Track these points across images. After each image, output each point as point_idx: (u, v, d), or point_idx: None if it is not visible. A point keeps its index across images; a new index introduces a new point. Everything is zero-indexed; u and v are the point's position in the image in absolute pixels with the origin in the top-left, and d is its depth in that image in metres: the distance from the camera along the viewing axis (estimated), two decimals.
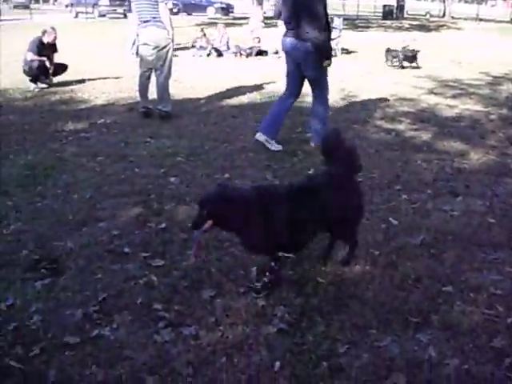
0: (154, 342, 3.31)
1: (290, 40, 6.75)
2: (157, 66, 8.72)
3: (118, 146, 7.30)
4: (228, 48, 18.11)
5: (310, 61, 6.67)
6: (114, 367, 3.12)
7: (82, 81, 12.40)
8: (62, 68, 12.46)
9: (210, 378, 3.02)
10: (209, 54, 17.58)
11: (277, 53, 16.05)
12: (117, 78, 12.77)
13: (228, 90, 10.86)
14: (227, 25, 21.34)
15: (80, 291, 3.85)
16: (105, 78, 12.69)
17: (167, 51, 8.68)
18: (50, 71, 12.01)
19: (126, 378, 3.03)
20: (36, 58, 11.69)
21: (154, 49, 8.66)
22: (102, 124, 8.51)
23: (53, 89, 11.71)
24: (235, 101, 9.99)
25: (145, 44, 8.80)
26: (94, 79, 12.55)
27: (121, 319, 3.53)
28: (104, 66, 14.13)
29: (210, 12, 44.37)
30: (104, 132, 8.05)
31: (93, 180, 5.99)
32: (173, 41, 8.76)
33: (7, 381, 3.05)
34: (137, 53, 14.97)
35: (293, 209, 3.62)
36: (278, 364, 3.12)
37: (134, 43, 15.34)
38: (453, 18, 49.06)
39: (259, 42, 17.99)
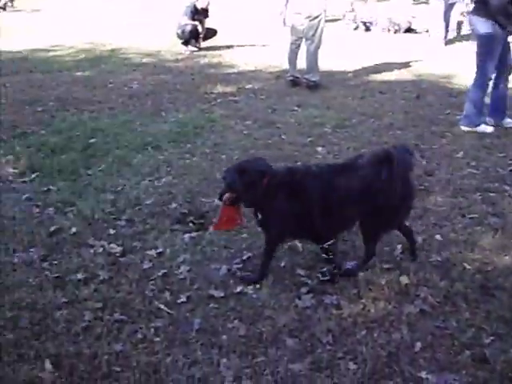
0: (295, 306, 3.35)
1: (472, 17, 6.51)
2: (308, 36, 8.67)
3: (265, 111, 7.39)
4: (376, 23, 17.69)
5: (487, 40, 6.36)
6: (256, 325, 3.19)
7: (231, 46, 12.60)
8: (212, 33, 12.75)
9: (349, 348, 3.01)
10: (356, 28, 17.28)
11: (427, 31, 15.47)
12: (264, 45, 12.84)
13: (376, 65, 10.60)
14: None
15: (225, 248, 3.97)
16: (252, 45, 12.80)
17: (319, 21, 8.58)
18: (201, 35, 12.34)
19: (267, 336, 3.09)
20: (190, 22, 12.06)
21: (306, 18, 8.60)
22: (250, 89, 8.64)
23: (202, 52, 12.03)
24: (383, 76, 9.75)
25: (297, 13, 8.77)
26: (242, 45, 12.69)
27: (264, 280, 3.58)
28: (252, 33, 14.24)
29: None
30: (251, 97, 8.18)
31: (241, 142, 6.12)
32: (325, 11, 8.66)
33: (157, 322, 3.22)
34: (284, 21, 15.07)
35: (313, 194, 3.40)
36: (418, 345, 3.05)
37: (281, 12, 15.36)
38: None
39: (413, 18, 17.37)
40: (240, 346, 3.01)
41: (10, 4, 20.21)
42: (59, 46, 12.89)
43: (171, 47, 12.29)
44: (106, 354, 2.95)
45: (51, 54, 12.16)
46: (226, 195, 3.43)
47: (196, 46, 12.30)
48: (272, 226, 3.56)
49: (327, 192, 3.41)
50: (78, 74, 9.92)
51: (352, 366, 2.88)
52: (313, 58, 8.72)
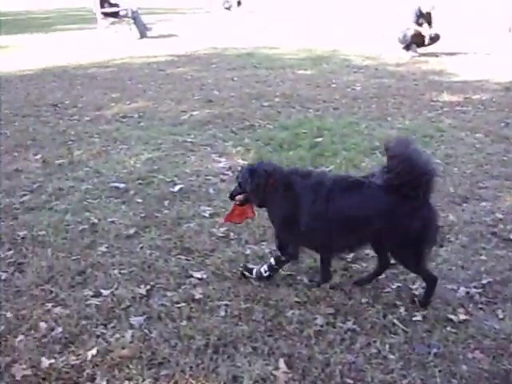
0: None
1: None
2: None
3: (497, 125, 6.88)
4: None
5: None
6: (500, 360, 2.91)
7: (453, 53, 12.07)
8: (434, 38, 12.26)
9: None
10: None
11: None
12: (488, 53, 12.12)
13: None
14: None
15: (462, 268, 3.71)
16: (475, 53, 12.14)
17: None
18: (426, 41, 11.88)
19: None
20: (412, 26, 11.71)
21: None
22: (478, 100, 8.14)
23: (423, 58, 11.66)
24: None
25: None
26: (464, 53, 12.10)
27: (506, 310, 3.28)
28: (474, 40, 13.48)
29: None
30: (480, 108, 7.69)
31: (473, 156, 5.74)
32: None
33: (391, 338, 3.07)
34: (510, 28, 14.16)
35: (311, 201, 3.24)
36: None
37: None
38: None
39: None
40: (483, 382, 2.77)
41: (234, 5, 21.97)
42: (280, 45, 13.29)
43: (391, 51, 12.07)
44: (339, 364, 2.86)
45: (273, 51, 12.58)
46: (239, 197, 3.54)
47: (417, 52, 11.94)
48: (274, 225, 3.56)
49: (318, 203, 3.23)
50: (300, 72, 10.13)
51: None
52: None
